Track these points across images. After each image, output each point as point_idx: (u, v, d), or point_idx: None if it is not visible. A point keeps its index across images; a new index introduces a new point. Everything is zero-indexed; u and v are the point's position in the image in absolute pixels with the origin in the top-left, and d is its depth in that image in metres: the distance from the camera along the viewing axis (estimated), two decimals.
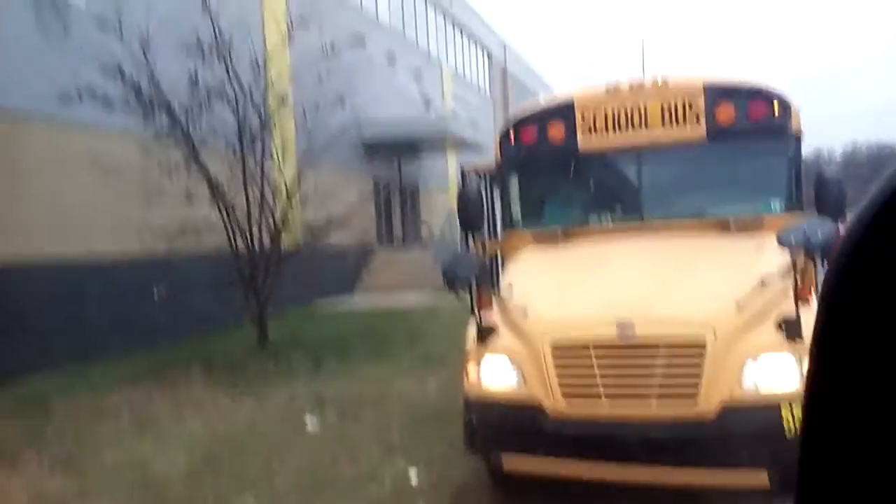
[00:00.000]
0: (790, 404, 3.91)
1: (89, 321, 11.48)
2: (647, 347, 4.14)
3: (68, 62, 10.94)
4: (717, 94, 5.50)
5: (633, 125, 5.66)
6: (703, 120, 5.51)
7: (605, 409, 4.22)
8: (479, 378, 4.69)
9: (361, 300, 18.40)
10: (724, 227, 5.30)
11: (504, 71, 37.01)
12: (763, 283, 4.33)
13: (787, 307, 4.14)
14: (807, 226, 4.10)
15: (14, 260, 10.43)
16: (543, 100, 7.38)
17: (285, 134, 12.82)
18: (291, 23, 12.85)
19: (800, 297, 4.10)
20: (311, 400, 7.94)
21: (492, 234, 6.57)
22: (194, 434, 6.97)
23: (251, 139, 11.27)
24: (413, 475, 5.55)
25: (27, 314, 10.50)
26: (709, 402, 4.06)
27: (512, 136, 6.09)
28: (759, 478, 3.97)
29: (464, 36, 31.51)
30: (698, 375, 4.07)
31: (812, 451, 0.54)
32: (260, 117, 11.32)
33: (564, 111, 5.88)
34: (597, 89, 5.91)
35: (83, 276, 11.53)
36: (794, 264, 4.13)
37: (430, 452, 5.99)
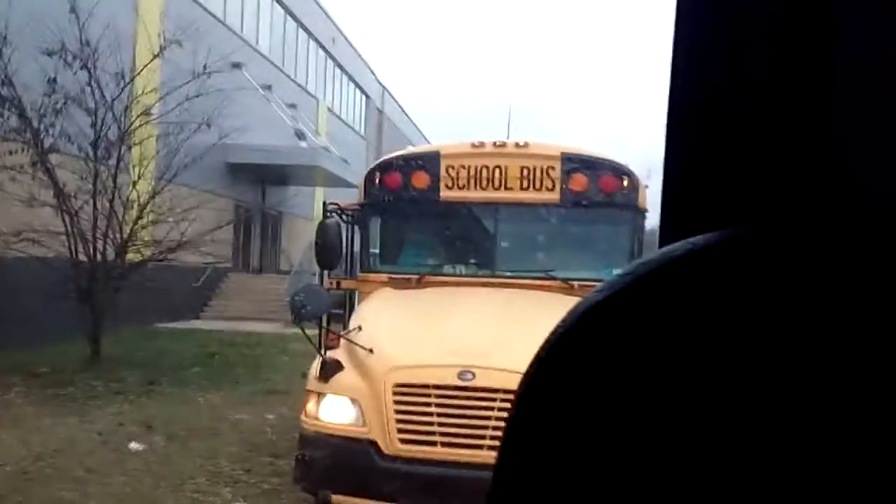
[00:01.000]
0: None
1: None
2: (486, 391, 4.32)
3: None
4: (573, 163, 5.90)
5: (493, 183, 5.96)
6: (557, 186, 5.88)
7: (439, 451, 4.35)
8: (317, 413, 4.71)
9: (209, 326, 17.74)
10: (569, 288, 5.64)
11: (380, 114, 37.39)
12: None
13: None
14: None
15: None
16: (413, 149, 7.61)
17: (146, 149, 12.50)
18: (164, 38, 12.62)
19: None
20: (139, 423, 7.61)
21: (349, 272, 6.65)
22: (7, 452, 6.50)
23: (106, 150, 11.06)
24: None
25: None
26: None
27: (377, 179, 6.23)
28: None
29: (344, 75, 31.67)
30: None
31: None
32: (120, 128, 11.03)
33: (430, 161, 6.10)
34: (463, 145, 6.19)
35: None
36: None
37: (258, 486, 5.90)
